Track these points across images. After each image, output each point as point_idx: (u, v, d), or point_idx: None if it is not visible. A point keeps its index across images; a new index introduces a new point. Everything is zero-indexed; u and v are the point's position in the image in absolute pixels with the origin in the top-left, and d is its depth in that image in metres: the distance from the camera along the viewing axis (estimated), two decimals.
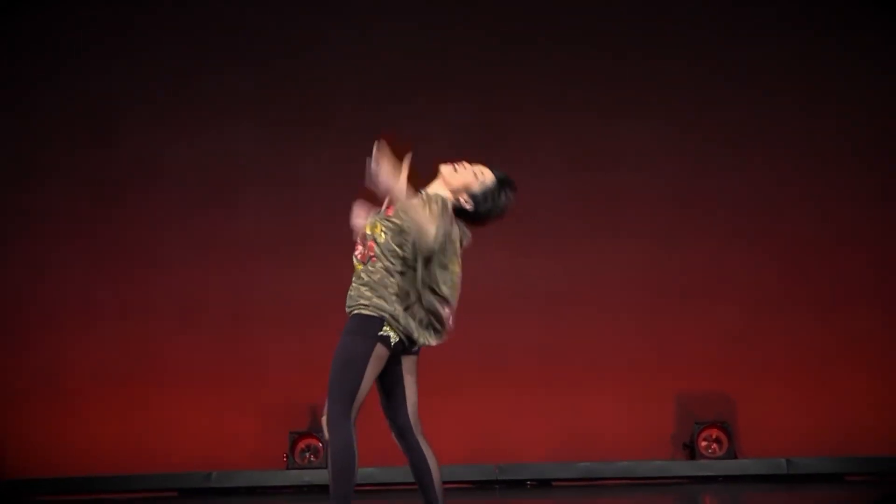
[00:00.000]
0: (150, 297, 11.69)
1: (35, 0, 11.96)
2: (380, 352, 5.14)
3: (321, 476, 10.83)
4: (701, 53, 11.92)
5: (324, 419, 5.10)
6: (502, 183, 5.38)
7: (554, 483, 10.93)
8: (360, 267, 5.23)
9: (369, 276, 5.16)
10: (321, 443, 10.93)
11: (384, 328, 5.14)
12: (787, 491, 9.53)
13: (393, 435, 5.25)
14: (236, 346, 11.57)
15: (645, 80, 11.92)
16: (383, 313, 5.13)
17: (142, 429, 11.39)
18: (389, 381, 5.23)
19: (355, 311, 5.20)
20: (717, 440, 10.95)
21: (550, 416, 11.23)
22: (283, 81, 12.05)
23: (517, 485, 10.85)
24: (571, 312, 11.54)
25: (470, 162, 5.40)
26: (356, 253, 5.26)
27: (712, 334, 11.46)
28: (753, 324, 11.47)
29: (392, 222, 5.18)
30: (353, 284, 5.23)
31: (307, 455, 10.97)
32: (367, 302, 5.16)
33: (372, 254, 5.17)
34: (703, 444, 10.94)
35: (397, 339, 5.13)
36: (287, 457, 10.96)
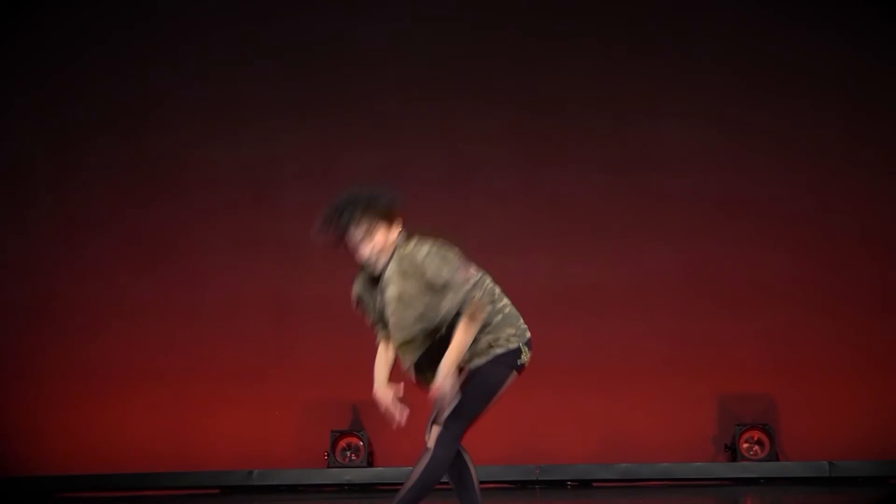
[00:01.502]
0: (193, 295, 11.76)
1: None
2: (512, 379, 5.12)
3: (362, 475, 10.88)
4: (741, 55, 11.86)
5: (433, 428, 5.07)
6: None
7: (594, 484, 10.91)
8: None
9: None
10: (361, 441, 10.96)
11: (522, 354, 5.11)
12: (830, 494, 9.48)
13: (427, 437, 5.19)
14: (278, 345, 11.62)
15: (683, 82, 11.86)
16: (514, 339, 5.10)
17: (183, 426, 11.46)
18: None
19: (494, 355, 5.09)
20: (759, 442, 10.90)
21: (591, 417, 11.22)
22: (321, 77, 12.07)
23: (558, 485, 10.85)
24: (611, 314, 11.51)
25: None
26: None
27: (754, 336, 11.40)
28: (796, 325, 11.41)
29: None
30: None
31: (348, 454, 11.01)
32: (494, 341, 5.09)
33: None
34: (745, 445, 10.90)
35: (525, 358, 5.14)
36: (328, 455, 11.00)
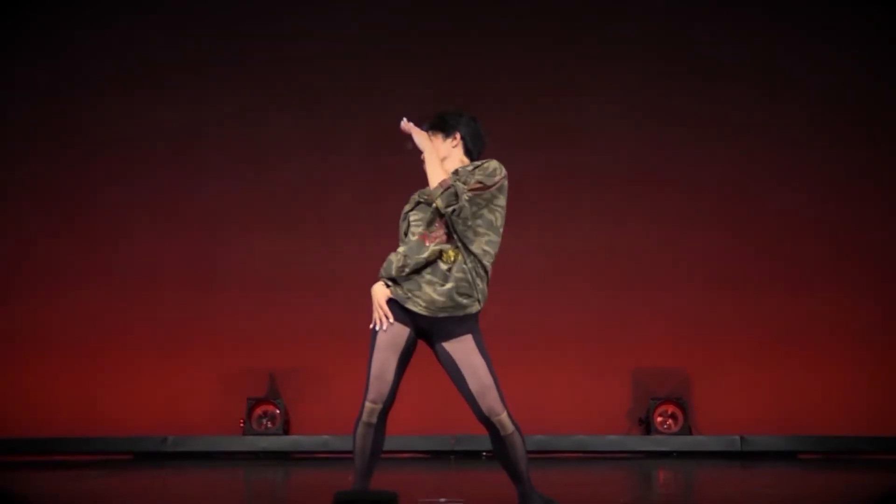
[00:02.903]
0: (111, 264, 11.65)
1: None
2: None
3: (277, 442, 10.87)
4: (668, 35, 11.94)
5: (505, 415, 5.05)
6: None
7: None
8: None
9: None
10: (277, 409, 10.94)
11: None
12: (741, 467, 9.61)
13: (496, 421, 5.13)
14: (196, 312, 11.56)
15: (608, 57, 11.93)
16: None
17: (99, 392, 11.37)
18: None
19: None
20: (673, 416, 11.03)
21: (506, 388, 11.02)
22: (249, 49, 12.00)
23: (473, 455, 10.90)
24: (529, 288, 11.56)
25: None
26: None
27: (668, 311, 11.52)
28: (710, 302, 11.54)
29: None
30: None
31: (264, 421, 10.99)
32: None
33: None
34: (659, 419, 11.02)
35: None
36: (244, 422, 10.97)
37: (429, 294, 5.00)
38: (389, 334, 5.04)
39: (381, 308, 5.04)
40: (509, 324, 11.24)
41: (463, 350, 5.05)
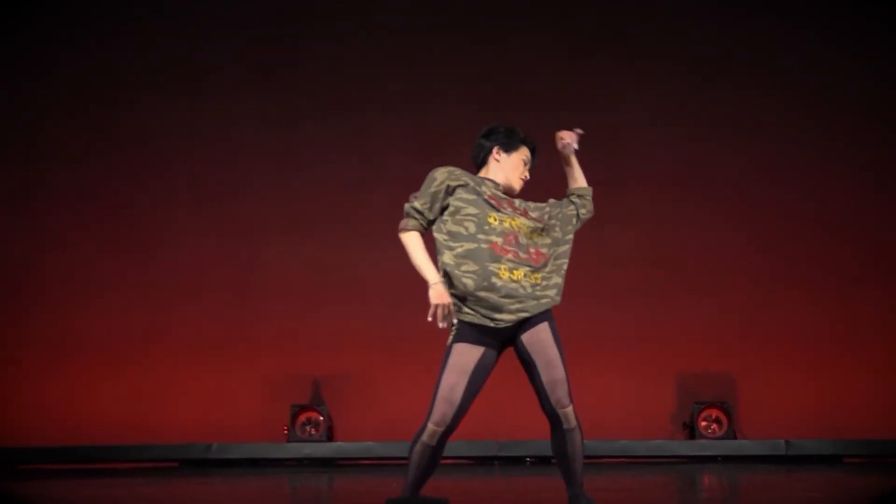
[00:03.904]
0: (156, 272, 11.75)
1: None
2: None
3: (321, 449, 10.90)
4: (704, 39, 11.92)
5: (571, 409, 5.14)
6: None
7: (553, 460, 10.93)
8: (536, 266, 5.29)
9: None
10: (321, 416, 10.97)
11: None
12: (786, 471, 9.54)
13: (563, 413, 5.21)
14: (240, 321, 11.62)
15: (652, 59, 11.92)
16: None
17: (144, 400, 11.45)
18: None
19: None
20: (717, 420, 10.98)
21: None
22: (285, 61, 12.07)
23: (517, 461, 10.90)
24: (571, 292, 11.44)
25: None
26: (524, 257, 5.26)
27: (715, 315, 11.48)
28: (756, 306, 11.50)
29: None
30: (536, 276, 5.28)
31: (308, 428, 11.02)
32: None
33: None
34: (703, 423, 10.97)
35: None
36: (288, 430, 11.01)
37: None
38: (465, 357, 5.11)
39: (445, 306, 5.02)
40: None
41: (540, 342, 5.23)
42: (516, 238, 5.19)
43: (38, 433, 11.17)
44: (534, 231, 5.30)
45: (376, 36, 12.05)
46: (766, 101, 11.83)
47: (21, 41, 12.01)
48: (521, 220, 5.27)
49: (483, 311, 5.08)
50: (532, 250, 5.24)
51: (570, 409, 5.12)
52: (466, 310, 5.09)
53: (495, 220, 5.17)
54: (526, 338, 5.21)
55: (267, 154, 11.96)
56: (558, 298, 5.35)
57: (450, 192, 5.20)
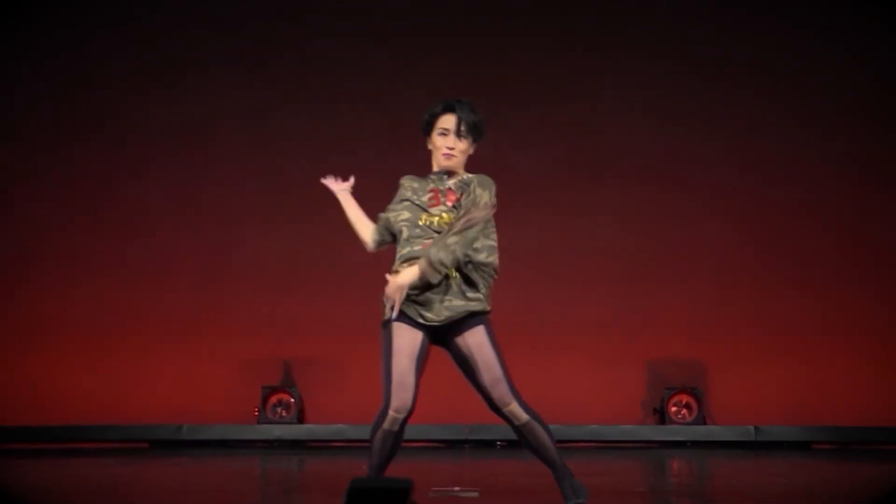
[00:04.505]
0: (128, 255, 11.71)
1: None
2: None
3: (292, 431, 10.90)
4: (688, 33, 11.94)
5: (515, 405, 5.09)
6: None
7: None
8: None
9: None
10: (292, 398, 10.97)
11: None
12: (755, 457, 9.61)
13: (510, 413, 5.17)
14: (213, 304, 11.60)
15: (631, 49, 11.93)
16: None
17: (114, 381, 11.40)
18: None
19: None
20: (687, 406, 11.03)
21: (520, 378, 11.16)
22: (265, 45, 12.03)
23: (487, 445, 10.92)
24: (544, 278, 11.58)
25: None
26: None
27: (685, 302, 11.52)
28: (726, 293, 11.54)
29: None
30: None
31: (279, 410, 11.02)
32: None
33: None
34: (673, 409, 11.03)
35: None
36: (259, 411, 11.00)
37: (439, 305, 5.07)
38: (406, 340, 5.04)
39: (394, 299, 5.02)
40: (525, 314, 11.27)
41: (476, 344, 5.08)
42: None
43: (9, 413, 11.12)
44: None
45: (353, 24, 12.00)
46: (748, 96, 11.85)
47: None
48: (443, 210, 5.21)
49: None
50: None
51: (514, 406, 5.08)
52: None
53: (424, 220, 5.18)
54: (460, 340, 5.12)
55: (242, 140, 11.91)
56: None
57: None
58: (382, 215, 5.33)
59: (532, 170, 11.57)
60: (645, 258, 11.66)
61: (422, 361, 5.06)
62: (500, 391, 5.08)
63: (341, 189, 5.55)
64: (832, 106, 11.82)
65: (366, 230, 5.42)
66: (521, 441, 5.18)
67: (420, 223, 5.16)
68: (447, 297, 5.05)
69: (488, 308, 5.13)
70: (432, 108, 5.30)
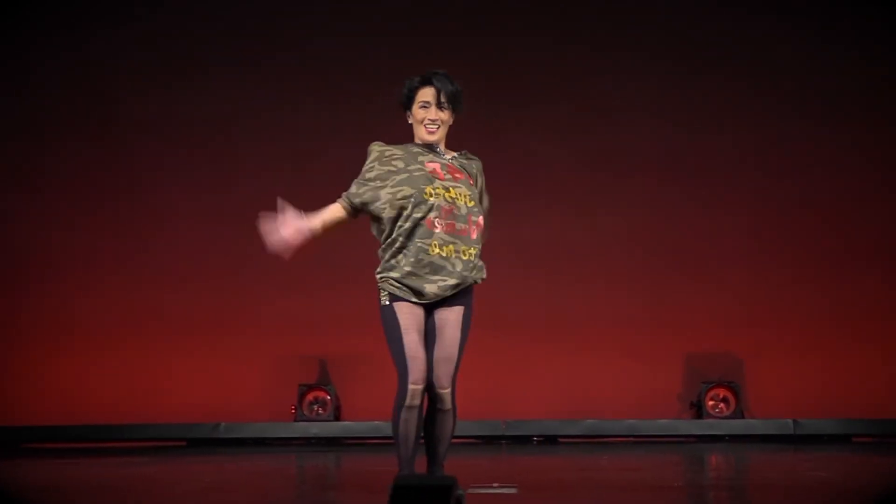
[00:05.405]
0: (160, 252, 11.75)
1: None
2: None
3: (329, 428, 10.91)
4: (698, 28, 11.89)
5: (449, 392, 5.11)
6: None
7: (560, 439, 10.98)
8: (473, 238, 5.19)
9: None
10: (329, 395, 10.98)
11: None
12: (794, 451, 9.54)
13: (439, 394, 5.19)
14: (247, 299, 11.62)
15: (631, 49, 11.88)
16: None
17: (152, 379, 11.45)
18: None
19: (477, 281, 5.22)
20: (725, 400, 10.98)
21: (557, 373, 11.26)
22: (286, 41, 12.05)
23: (524, 440, 10.91)
24: (580, 272, 11.55)
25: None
26: (459, 227, 5.18)
27: (722, 295, 11.47)
28: (763, 286, 11.48)
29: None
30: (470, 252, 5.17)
31: (315, 407, 11.03)
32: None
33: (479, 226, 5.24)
34: (711, 403, 10.97)
35: None
36: (295, 409, 11.02)
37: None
38: (412, 317, 5.11)
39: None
40: (561, 309, 11.26)
41: (450, 319, 5.13)
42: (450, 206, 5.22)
43: (43, 412, 11.19)
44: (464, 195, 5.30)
45: (371, 20, 11.99)
46: (765, 86, 11.80)
47: (27, 31, 12.00)
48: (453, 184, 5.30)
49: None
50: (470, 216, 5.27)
51: (447, 392, 5.10)
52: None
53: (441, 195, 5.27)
54: (439, 311, 5.15)
55: (267, 140, 11.91)
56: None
57: None
58: (359, 191, 5.53)
59: (560, 163, 11.54)
60: (679, 250, 11.61)
61: (429, 334, 5.13)
62: (446, 370, 5.11)
63: (296, 224, 5.79)
64: (860, 109, 11.74)
65: (337, 217, 5.67)
66: (430, 426, 5.19)
67: (430, 199, 5.19)
68: (441, 277, 5.08)
69: (480, 279, 5.18)
70: (411, 83, 5.41)
